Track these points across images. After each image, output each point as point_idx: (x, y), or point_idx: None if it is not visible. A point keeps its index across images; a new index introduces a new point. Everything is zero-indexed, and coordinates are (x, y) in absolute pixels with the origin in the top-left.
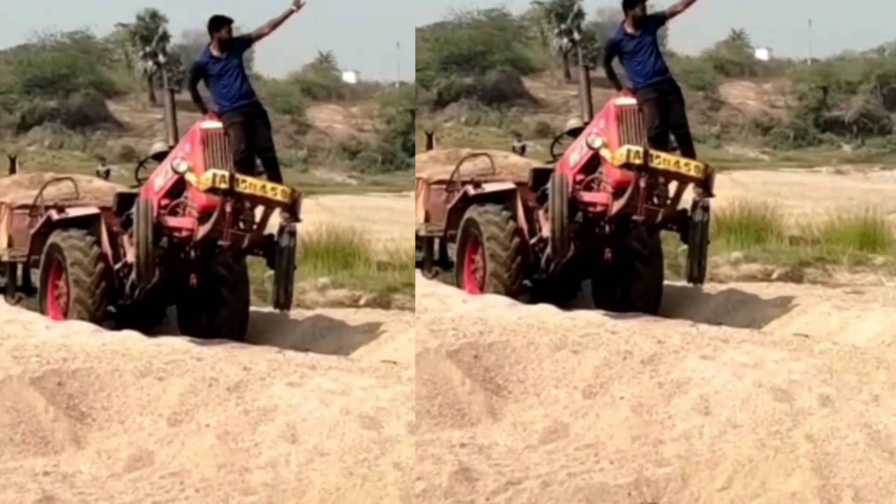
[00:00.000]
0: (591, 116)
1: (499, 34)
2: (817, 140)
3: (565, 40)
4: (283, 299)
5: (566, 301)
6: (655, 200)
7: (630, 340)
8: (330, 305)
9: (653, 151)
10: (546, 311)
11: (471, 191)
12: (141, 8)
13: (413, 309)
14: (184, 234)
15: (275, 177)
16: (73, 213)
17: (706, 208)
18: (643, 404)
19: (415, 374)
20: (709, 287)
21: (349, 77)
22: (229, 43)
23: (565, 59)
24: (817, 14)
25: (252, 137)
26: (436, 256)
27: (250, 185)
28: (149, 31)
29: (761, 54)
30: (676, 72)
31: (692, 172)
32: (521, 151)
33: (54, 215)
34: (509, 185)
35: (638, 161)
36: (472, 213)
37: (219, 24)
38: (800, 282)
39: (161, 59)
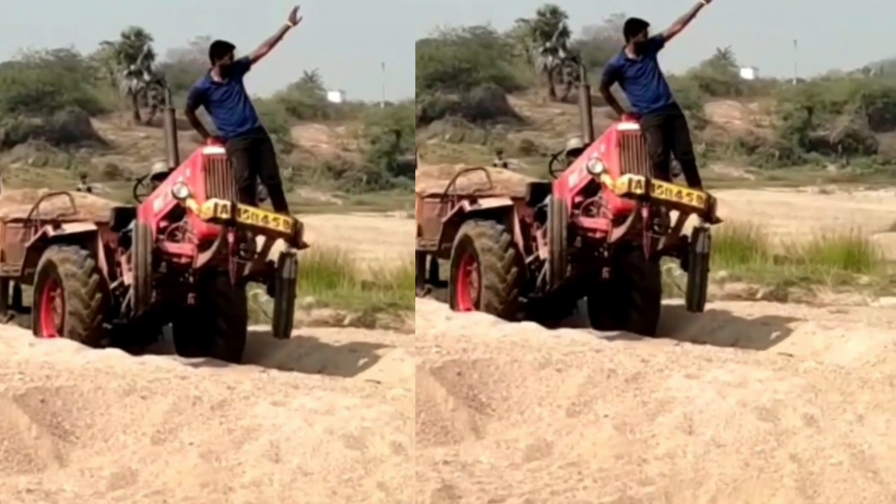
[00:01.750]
0: (592, 137)
1: (483, 52)
2: (802, 160)
3: (550, 58)
4: (284, 330)
5: (561, 319)
6: (656, 228)
7: (614, 359)
8: (314, 325)
9: (654, 181)
10: (530, 329)
11: (467, 206)
12: (126, 26)
13: (397, 329)
14: (183, 260)
15: (279, 204)
16: (69, 229)
17: (708, 238)
18: (627, 423)
19: (414, 391)
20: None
21: (334, 96)
22: (231, 68)
23: (550, 77)
24: (803, 34)
25: (257, 164)
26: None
27: (252, 215)
28: (134, 49)
29: (746, 73)
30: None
31: (694, 203)
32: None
33: (50, 231)
34: (506, 202)
35: (640, 191)
36: (467, 228)
37: (221, 50)
38: (784, 301)
39: (146, 77)
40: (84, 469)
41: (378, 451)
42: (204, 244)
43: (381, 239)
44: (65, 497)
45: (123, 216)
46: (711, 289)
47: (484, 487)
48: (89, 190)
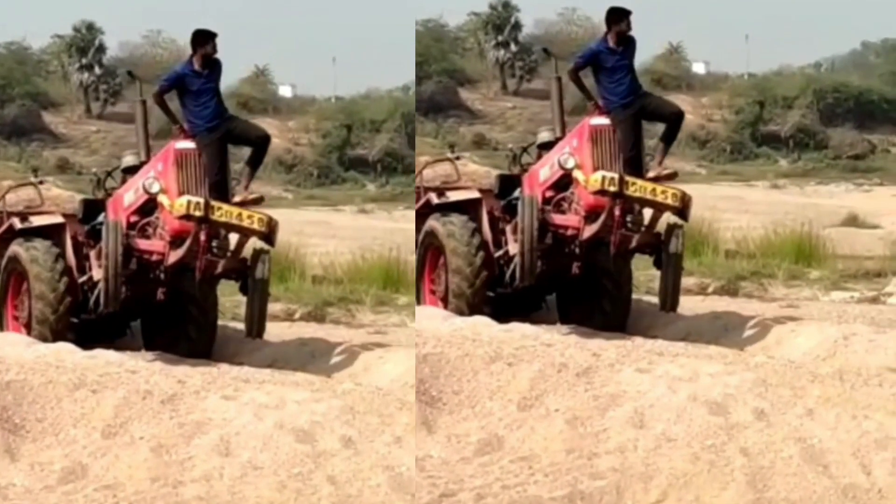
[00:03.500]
0: (564, 131)
1: (435, 45)
2: (754, 154)
3: (502, 52)
4: (257, 329)
5: (529, 314)
6: (630, 226)
7: (565, 353)
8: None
9: (628, 178)
10: (481, 323)
11: (434, 199)
12: (77, 20)
13: (348, 323)
14: (154, 257)
15: (257, 161)
16: (36, 221)
17: (682, 236)
18: (578, 417)
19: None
20: (644, 300)
21: (285, 91)
22: (212, 61)
23: (502, 70)
24: (755, 29)
25: (226, 160)
26: None
27: (226, 212)
28: (85, 42)
29: (698, 68)
30: None
31: (669, 201)
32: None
33: (17, 224)
34: (474, 194)
35: (613, 188)
36: (433, 222)
37: (204, 38)
38: (735, 296)
39: (97, 70)
40: (34, 463)
41: (328, 445)
42: (176, 241)
43: (331, 233)
44: (15, 491)
45: (92, 208)
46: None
47: (435, 482)
48: (41, 183)
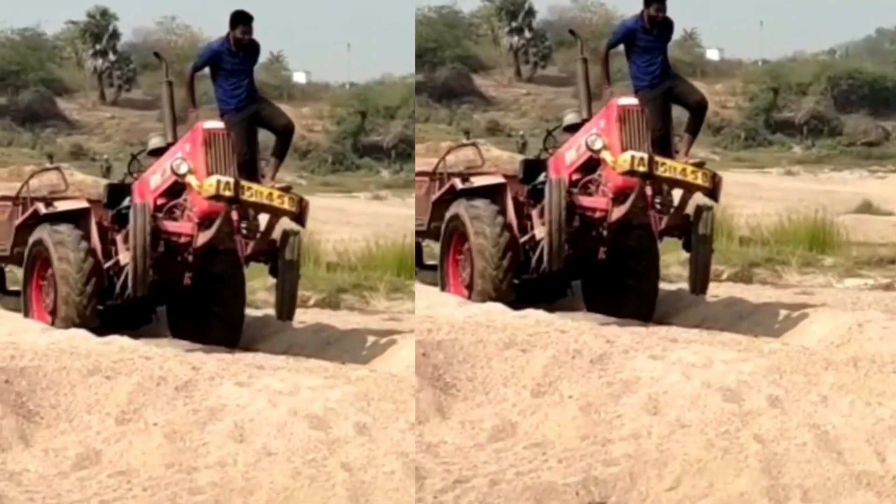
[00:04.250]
0: (591, 113)
1: (449, 31)
2: (767, 141)
3: (516, 38)
4: (287, 311)
5: (555, 301)
6: (659, 207)
7: (579, 340)
8: None
9: (658, 158)
10: (495, 310)
11: (458, 184)
12: (91, 5)
13: (362, 310)
14: (183, 239)
15: (282, 151)
16: (61, 206)
17: (712, 217)
18: (592, 403)
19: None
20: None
21: (299, 77)
22: (247, 45)
23: (515, 57)
24: (769, 15)
25: (255, 141)
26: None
27: (256, 192)
28: (99, 28)
29: (712, 55)
30: (628, 72)
31: (699, 181)
32: None
33: (42, 209)
34: (499, 179)
35: (642, 168)
36: (458, 207)
37: (238, 20)
38: (749, 282)
39: (111, 56)
40: (48, 449)
41: (342, 432)
42: (204, 222)
43: (345, 220)
44: (28, 477)
45: (117, 193)
46: (676, 269)
47: (449, 468)
48: (57, 169)
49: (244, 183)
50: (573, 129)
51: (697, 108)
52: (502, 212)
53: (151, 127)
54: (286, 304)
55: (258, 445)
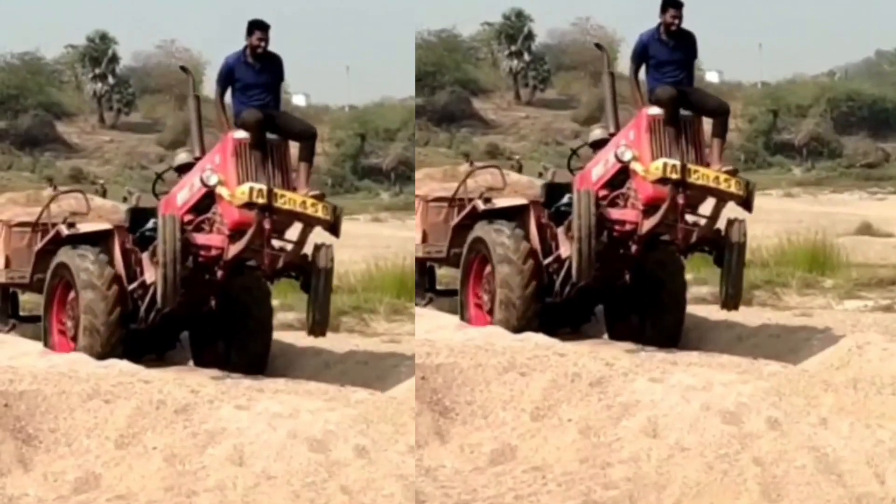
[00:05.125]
0: (618, 127)
1: (448, 55)
2: (767, 163)
3: (515, 62)
4: (320, 325)
5: (579, 326)
6: (689, 219)
7: (578, 363)
8: (279, 328)
9: (691, 166)
10: (495, 333)
11: (480, 206)
12: (91, 30)
13: (362, 332)
14: (213, 252)
15: (307, 155)
16: (84, 228)
17: (744, 228)
18: (591, 427)
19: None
20: None
21: (299, 100)
22: (265, 55)
23: (515, 80)
24: (768, 38)
25: (283, 153)
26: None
27: (290, 199)
28: (98, 52)
29: (712, 77)
30: (628, 95)
31: (733, 189)
32: None
33: (64, 230)
34: (521, 201)
35: (675, 175)
36: (480, 231)
37: (252, 29)
38: (749, 304)
39: (111, 80)
40: (47, 473)
41: (341, 455)
42: (236, 234)
43: (345, 242)
44: (28, 501)
45: (139, 217)
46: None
47: (448, 492)
48: (80, 192)
49: (277, 190)
50: (599, 145)
51: (718, 112)
52: (526, 236)
53: (151, 150)
54: (319, 319)
55: (258, 469)
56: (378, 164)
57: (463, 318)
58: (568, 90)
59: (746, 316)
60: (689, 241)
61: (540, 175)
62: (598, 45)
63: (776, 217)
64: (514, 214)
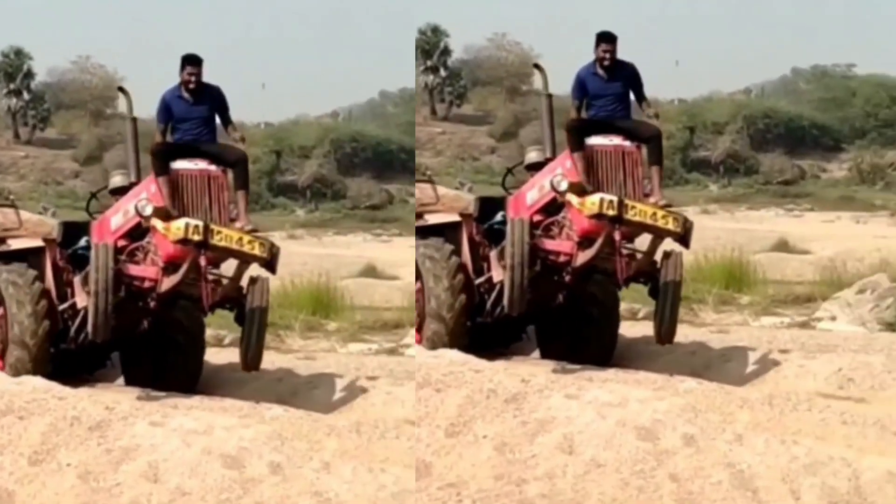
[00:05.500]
0: (554, 152)
1: None
2: (684, 180)
3: (431, 77)
4: (254, 361)
5: (509, 346)
6: (624, 250)
7: (493, 379)
8: None
9: (628, 201)
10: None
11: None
12: (5, 44)
13: (277, 348)
14: (146, 284)
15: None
16: (15, 244)
17: (680, 263)
18: (506, 443)
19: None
20: None
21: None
22: (199, 87)
23: (431, 95)
24: (685, 55)
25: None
26: None
27: (226, 236)
28: (13, 68)
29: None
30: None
31: (670, 226)
32: None
33: None
34: (454, 218)
35: (612, 212)
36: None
37: (182, 64)
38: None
39: (25, 96)
40: None
41: (256, 471)
42: (170, 267)
43: None
44: None
45: (72, 232)
46: None
47: None
48: (12, 206)
49: (213, 227)
50: (535, 167)
51: (651, 139)
52: (456, 251)
53: (66, 167)
54: (253, 354)
55: (172, 485)
56: (294, 182)
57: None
58: (485, 105)
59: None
60: (624, 274)
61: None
62: (536, 66)
63: (693, 234)
64: (446, 229)
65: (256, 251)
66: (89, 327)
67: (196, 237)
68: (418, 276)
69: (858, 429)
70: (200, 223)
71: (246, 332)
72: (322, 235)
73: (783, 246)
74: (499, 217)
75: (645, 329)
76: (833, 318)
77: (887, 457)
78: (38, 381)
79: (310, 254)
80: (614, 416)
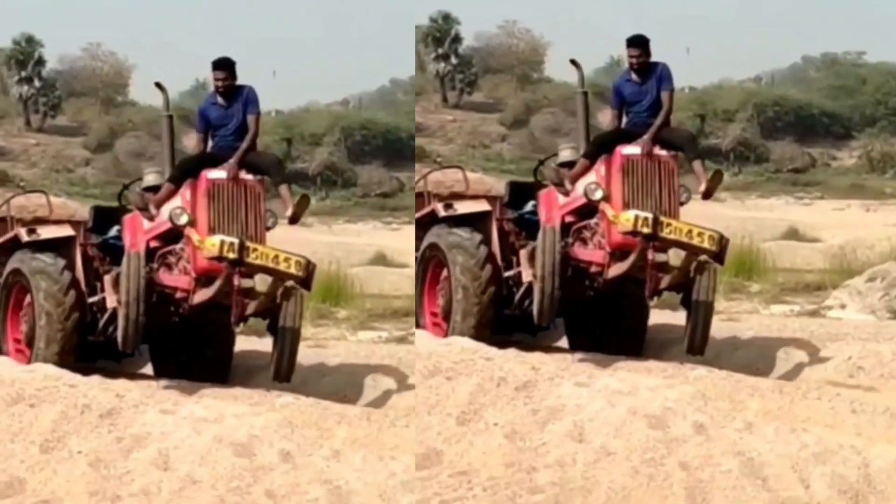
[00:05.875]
0: None
1: None
2: None
3: (442, 64)
4: (287, 373)
5: (536, 334)
6: (658, 267)
7: (504, 367)
8: None
9: (663, 219)
10: (421, 337)
11: (441, 211)
12: (16, 32)
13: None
14: (178, 294)
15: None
16: (44, 233)
17: (714, 277)
18: (517, 431)
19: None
20: None
21: None
22: (231, 92)
23: (442, 83)
24: (695, 42)
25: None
26: None
27: (261, 254)
28: (24, 55)
29: None
30: (554, 98)
31: (706, 244)
32: None
33: (24, 236)
34: (483, 206)
35: (647, 230)
36: (436, 236)
37: (213, 69)
38: (675, 309)
39: (37, 83)
40: None
41: (266, 459)
42: (203, 279)
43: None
44: None
45: (104, 217)
46: None
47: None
48: (42, 192)
49: (249, 244)
50: (568, 164)
51: (685, 144)
52: (485, 239)
53: (77, 154)
54: (285, 366)
55: (182, 473)
56: (304, 169)
57: (418, 324)
58: (495, 93)
59: (673, 319)
60: (657, 288)
61: None
62: (573, 62)
63: (703, 222)
64: (476, 217)
65: (292, 269)
66: (119, 337)
67: (231, 255)
68: (423, 262)
69: (868, 417)
70: (236, 241)
71: (279, 347)
72: (332, 223)
73: (793, 234)
74: (529, 207)
75: (656, 317)
76: (843, 307)
77: None
78: (50, 369)
79: (320, 241)
80: (624, 405)
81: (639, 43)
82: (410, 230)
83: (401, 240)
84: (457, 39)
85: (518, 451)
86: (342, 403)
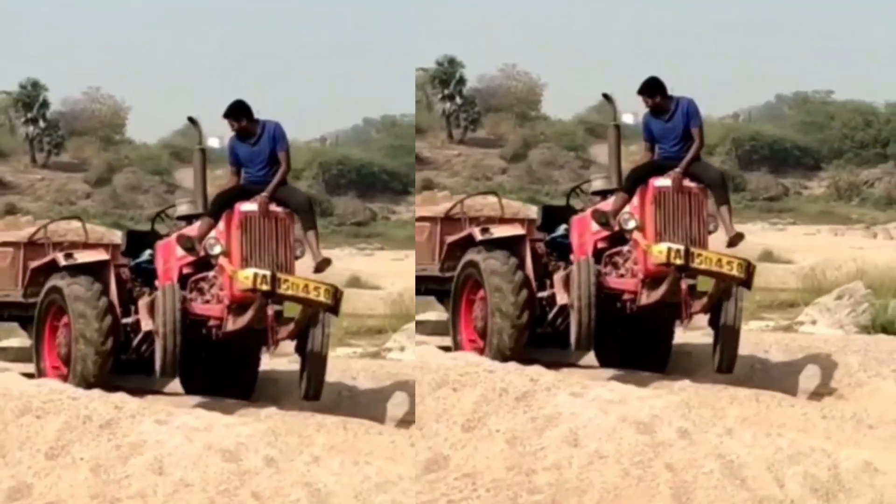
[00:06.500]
0: (620, 181)
1: None
2: None
3: (448, 104)
4: (315, 393)
5: (566, 347)
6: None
7: (505, 379)
8: None
9: (694, 250)
10: (428, 352)
11: (478, 235)
12: (23, 77)
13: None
14: (211, 322)
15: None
16: (81, 258)
17: (741, 302)
18: (517, 437)
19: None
20: None
21: (213, 142)
22: (248, 131)
23: (448, 121)
24: (677, 82)
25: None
26: None
27: (293, 284)
28: (30, 98)
29: (627, 119)
30: (550, 134)
31: (735, 272)
32: None
33: (61, 260)
34: (518, 231)
35: (679, 261)
36: (474, 255)
37: (229, 114)
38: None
39: (41, 124)
40: None
41: (252, 464)
42: (235, 308)
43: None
44: None
45: (138, 241)
46: None
47: None
48: (78, 219)
49: (280, 276)
50: (600, 194)
51: (715, 182)
52: (521, 265)
53: (78, 188)
54: (315, 389)
55: (176, 477)
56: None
57: (455, 340)
58: (496, 130)
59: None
60: (688, 313)
61: None
62: (605, 96)
63: None
64: (512, 243)
65: (322, 298)
66: (157, 365)
67: (264, 287)
68: (459, 281)
69: (837, 423)
70: (268, 273)
71: (307, 369)
72: None
73: (768, 256)
74: (561, 230)
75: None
76: (814, 322)
77: (863, 448)
78: (54, 383)
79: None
80: (615, 412)
81: (648, 89)
82: (383, 255)
83: (374, 264)
84: (461, 81)
85: (518, 455)
86: (321, 413)
